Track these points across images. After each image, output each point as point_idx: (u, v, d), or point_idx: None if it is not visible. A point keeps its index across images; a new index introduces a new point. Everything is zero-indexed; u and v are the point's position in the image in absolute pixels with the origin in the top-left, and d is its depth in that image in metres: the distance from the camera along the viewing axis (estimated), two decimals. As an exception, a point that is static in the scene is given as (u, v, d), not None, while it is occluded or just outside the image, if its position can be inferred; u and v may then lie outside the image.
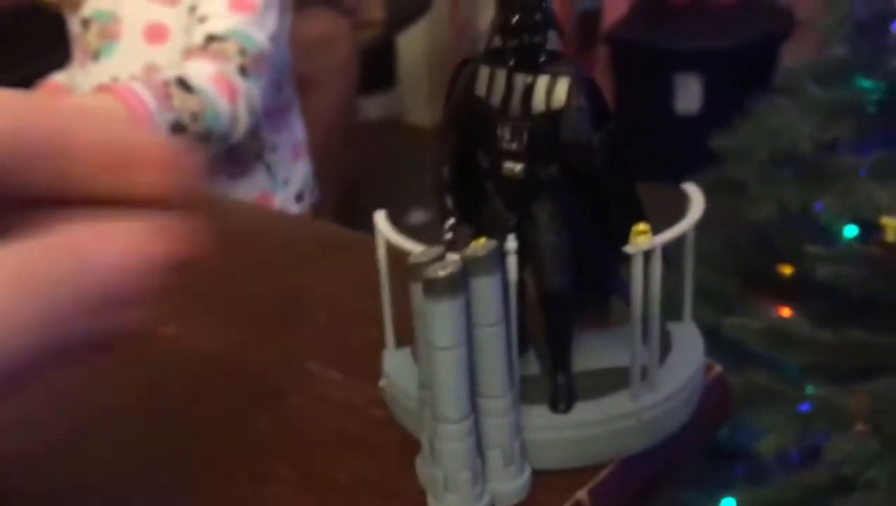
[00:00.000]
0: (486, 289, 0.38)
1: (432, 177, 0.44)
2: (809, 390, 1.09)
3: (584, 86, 0.39)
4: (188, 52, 1.16)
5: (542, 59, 0.39)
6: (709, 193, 1.40)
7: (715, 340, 1.22)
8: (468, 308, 0.38)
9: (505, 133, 0.40)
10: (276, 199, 1.35)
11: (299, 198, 1.41)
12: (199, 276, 0.69)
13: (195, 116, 1.07)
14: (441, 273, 0.36)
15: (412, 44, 3.00)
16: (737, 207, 1.21)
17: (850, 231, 1.13)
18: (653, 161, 2.44)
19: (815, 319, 1.11)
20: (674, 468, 0.45)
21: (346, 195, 2.03)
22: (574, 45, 2.75)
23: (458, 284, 0.37)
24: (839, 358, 1.08)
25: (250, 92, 1.14)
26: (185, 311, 0.61)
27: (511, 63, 0.39)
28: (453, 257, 0.38)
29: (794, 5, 2.62)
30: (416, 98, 3.06)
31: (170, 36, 1.19)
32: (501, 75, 0.40)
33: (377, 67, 2.75)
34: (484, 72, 0.41)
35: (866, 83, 1.12)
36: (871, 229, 1.06)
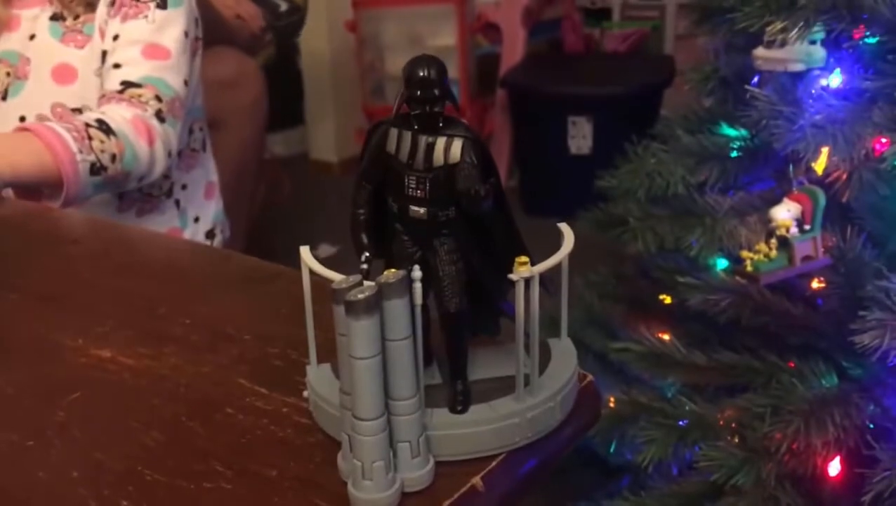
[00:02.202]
0: (396, 310, 0.46)
1: (350, 218, 0.52)
2: (685, 406, 1.19)
3: (474, 145, 0.48)
4: (105, 98, 1.18)
5: (441, 124, 0.48)
6: (597, 228, 1.51)
7: (603, 363, 1.33)
8: (382, 326, 0.46)
9: (411, 182, 0.49)
10: (185, 234, 1.38)
11: (210, 234, 1.45)
12: (129, 304, 0.76)
13: (114, 158, 1.10)
14: (360, 296, 0.44)
15: (319, 83, 3.07)
16: (621, 241, 1.31)
17: (721, 263, 1.26)
18: (549, 198, 2.57)
19: (689, 342, 1.22)
20: (553, 459, 0.53)
21: (254, 230, 2.08)
22: (473, 87, 2.87)
23: (374, 305, 0.45)
24: (710, 377, 1.20)
25: (167, 135, 1.18)
26: (118, 336, 0.67)
27: (415, 126, 0.48)
28: (369, 284, 0.46)
29: (675, 56, 2.83)
30: (322, 135, 3.13)
31: (78, 77, 1.21)
32: (408, 136, 0.49)
33: (285, 106, 2.81)
34: (393, 133, 0.49)
35: (730, 131, 1.25)
36: (736, 261, 1.17)
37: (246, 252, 1.89)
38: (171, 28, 1.22)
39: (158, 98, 1.18)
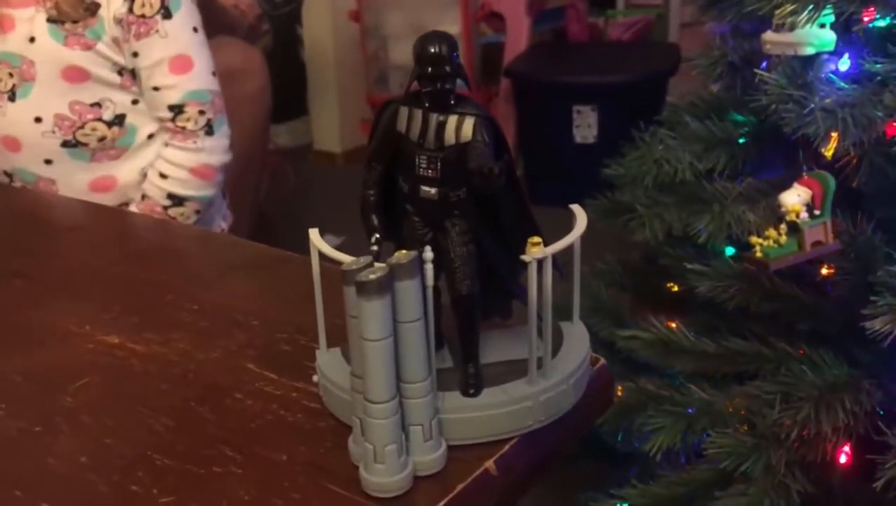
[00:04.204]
0: (408, 291, 0.45)
1: (360, 199, 0.51)
2: (694, 394, 1.19)
3: (486, 123, 0.48)
4: (163, 128, 1.29)
5: (452, 101, 0.47)
6: (604, 216, 1.50)
7: (611, 352, 1.32)
8: (393, 307, 0.45)
9: (422, 162, 0.48)
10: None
11: (224, 194, 1.47)
12: (137, 290, 0.76)
13: (197, 211, 1.31)
14: (372, 277, 0.44)
15: (322, 73, 3.06)
16: (628, 228, 1.31)
17: (729, 250, 1.25)
18: (554, 187, 2.56)
19: (697, 330, 1.21)
20: (566, 442, 0.53)
21: (258, 220, 2.07)
22: (477, 76, 2.86)
23: (386, 286, 0.44)
24: (719, 365, 1.19)
25: (219, 145, 1.30)
26: (126, 322, 0.66)
27: (426, 105, 0.48)
28: (380, 265, 0.45)
29: (680, 44, 2.81)
30: (326, 126, 3.12)
31: (91, 76, 1.25)
32: (418, 115, 0.48)
33: (289, 97, 2.80)
34: (403, 111, 0.49)
35: (738, 117, 1.24)
36: (745, 248, 1.16)
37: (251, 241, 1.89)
38: (183, 33, 1.27)
39: (202, 111, 1.28)
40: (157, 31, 1.24)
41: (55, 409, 0.56)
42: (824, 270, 1.12)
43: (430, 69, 0.46)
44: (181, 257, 0.82)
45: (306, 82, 3.11)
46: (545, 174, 2.68)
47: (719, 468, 1.11)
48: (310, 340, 0.60)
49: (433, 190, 0.48)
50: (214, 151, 1.31)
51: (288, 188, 2.51)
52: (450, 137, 0.48)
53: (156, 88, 1.27)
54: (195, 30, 1.28)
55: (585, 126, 2.59)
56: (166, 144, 1.30)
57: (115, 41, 1.24)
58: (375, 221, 0.50)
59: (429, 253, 0.47)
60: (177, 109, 1.28)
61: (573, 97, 2.58)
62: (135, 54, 1.26)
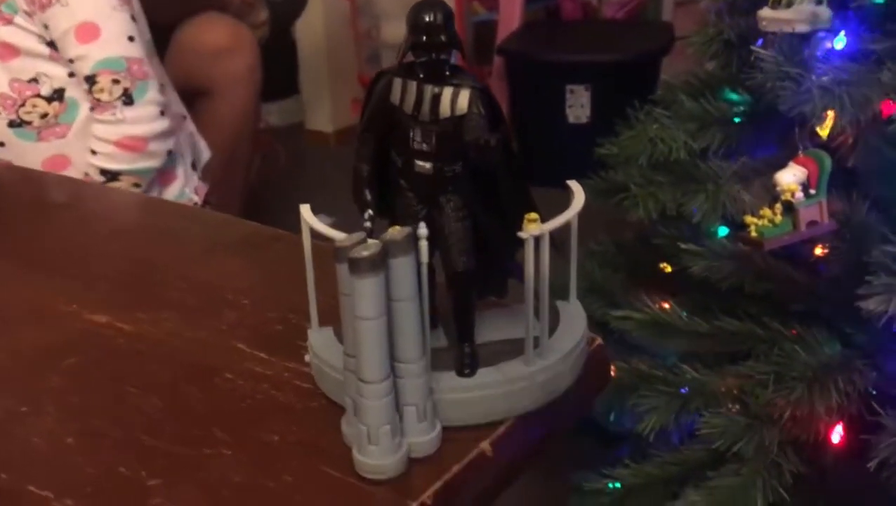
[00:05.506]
0: (402, 268, 0.44)
1: (353, 174, 0.50)
2: (686, 374, 1.18)
3: (482, 95, 0.46)
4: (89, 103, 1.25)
5: (447, 73, 0.46)
6: (598, 196, 1.49)
7: (604, 332, 1.32)
8: (387, 285, 0.44)
9: (416, 136, 0.47)
10: (177, 171, 1.39)
11: (193, 166, 1.45)
12: (125, 268, 0.75)
13: (136, 185, 1.25)
14: (365, 253, 0.42)
15: (314, 52, 3.03)
16: (622, 208, 1.30)
17: (723, 230, 1.24)
18: (547, 167, 2.55)
19: (690, 310, 1.20)
20: (563, 424, 0.52)
21: (249, 200, 2.06)
22: (470, 55, 2.84)
23: (379, 263, 0.43)
24: (712, 345, 1.18)
25: (145, 113, 1.24)
26: (114, 300, 0.65)
27: (421, 76, 0.46)
28: (374, 241, 0.44)
29: (674, 23, 2.80)
30: (318, 105, 3.09)
31: (21, 51, 1.23)
32: (412, 86, 0.47)
33: (280, 76, 2.77)
34: (397, 83, 0.47)
35: (733, 96, 1.23)
36: (739, 228, 1.16)
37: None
38: (86, 0, 1.23)
39: (116, 80, 1.23)
40: (56, 0, 1.21)
41: (42, 389, 0.55)
42: (818, 251, 1.12)
43: (424, 38, 0.45)
44: (170, 235, 0.80)
45: (297, 61, 3.08)
46: (538, 154, 2.67)
47: (712, 448, 1.11)
48: (301, 319, 0.59)
49: (428, 164, 0.47)
50: (138, 120, 1.26)
51: (279, 168, 2.49)
52: (445, 109, 0.46)
53: (71, 61, 1.24)
54: None
55: (578, 106, 2.58)
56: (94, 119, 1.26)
57: (28, 14, 1.22)
58: (368, 196, 0.49)
59: (423, 229, 0.45)
60: (91, 80, 1.23)
61: (566, 76, 2.56)
62: (45, 26, 1.22)
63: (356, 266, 0.42)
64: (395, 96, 0.47)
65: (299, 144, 2.96)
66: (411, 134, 0.47)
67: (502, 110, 0.47)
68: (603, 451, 1.33)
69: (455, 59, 0.47)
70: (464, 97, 0.46)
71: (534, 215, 0.47)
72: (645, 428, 1.15)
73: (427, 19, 0.44)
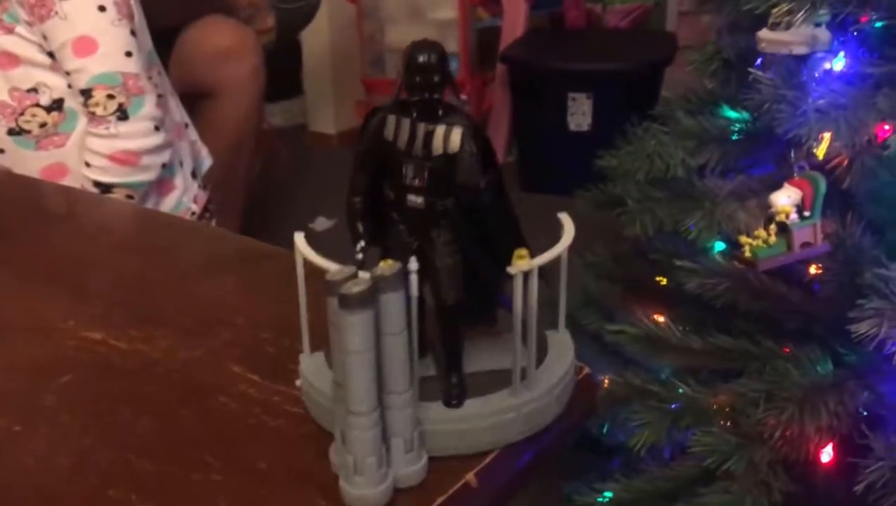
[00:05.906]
0: (392, 303, 0.45)
1: (346, 205, 0.50)
2: (679, 389, 1.19)
3: (474, 134, 0.47)
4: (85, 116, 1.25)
5: (441, 111, 0.47)
6: (596, 207, 1.49)
7: (598, 345, 1.32)
8: (376, 319, 0.45)
9: (409, 171, 0.48)
10: (176, 181, 1.39)
11: (194, 175, 1.45)
12: (122, 283, 0.75)
13: (130, 197, 1.25)
14: (354, 289, 0.43)
15: (318, 54, 3.03)
16: (619, 221, 1.30)
17: (718, 247, 1.24)
18: (547, 174, 2.56)
19: (685, 326, 1.21)
20: (548, 454, 0.53)
21: (251, 200, 2.06)
22: (473, 61, 2.84)
23: (369, 299, 0.44)
24: (705, 361, 1.19)
25: (139, 128, 1.25)
26: (109, 317, 0.66)
27: (414, 114, 0.47)
28: (364, 276, 0.45)
29: (678, 33, 2.80)
30: (321, 107, 3.10)
31: (20, 60, 1.23)
32: (406, 123, 0.47)
33: (283, 77, 2.78)
34: (391, 120, 0.48)
35: (731, 113, 1.23)
36: (735, 245, 1.16)
37: (243, 222, 1.89)
38: (85, 13, 1.22)
39: (111, 95, 1.23)
40: (56, 12, 1.21)
41: (35, 407, 0.55)
42: (813, 270, 1.12)
43: (418, 79, 0.45)
44: (167, 250, 0.81)
45: (301, 62, 3.09)
46: (538, 161, 2.68)
47: (703, 465, 1.12)
48: (294, 341, 0.59)
49: (420, 199, 0.48)
50: (132, 135, 1.26)
51: (281, 169, 2.50)
52: (437, 146, 0.47)
53: (68, 73, 1.24)
54: (102, 8, 1.23)
55: (580, 114, 2.58)
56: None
57: (28, 24, 1.22)
58: (361, 228, 0.50)
59: (413, 264, 0.46)
60: (86, 94, 1.24)
61: (568, 84, 2.56)
62: (44, 37, 1.23)
63: (346, 302, 0.43)
64: (389, 132, 0.48)
65: (302, 146, 2.97)
66: (404, 169, 0.48)
67: (495, 151, 0.48)
68: (594, 462, 1.34)
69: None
70: (456, 136, 0.47)
71: (523, 252, 0.47)
72: (637, 443, 1.16)
73: (421, 60, 0.45)
